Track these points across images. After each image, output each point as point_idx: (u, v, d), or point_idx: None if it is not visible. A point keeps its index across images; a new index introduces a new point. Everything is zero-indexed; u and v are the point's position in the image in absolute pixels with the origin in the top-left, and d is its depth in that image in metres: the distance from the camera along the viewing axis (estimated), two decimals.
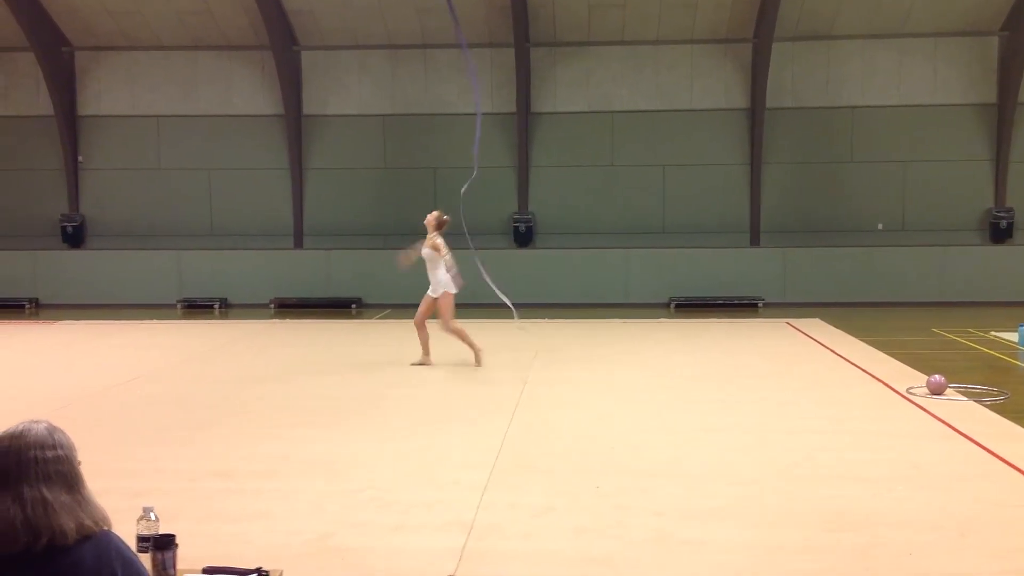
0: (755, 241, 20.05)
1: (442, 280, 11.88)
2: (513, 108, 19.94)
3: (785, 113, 19.95)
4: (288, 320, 17.47)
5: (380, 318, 17.64)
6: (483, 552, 5.44)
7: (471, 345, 12.01)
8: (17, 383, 11.08)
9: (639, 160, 20.24)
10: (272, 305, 19.27)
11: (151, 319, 17.35)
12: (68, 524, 2.59)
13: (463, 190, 12.98)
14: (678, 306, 18.76)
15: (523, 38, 19.41)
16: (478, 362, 11.96)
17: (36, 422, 2.73)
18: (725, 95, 20.15)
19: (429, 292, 12.00)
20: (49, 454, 2.65)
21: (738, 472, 7.04)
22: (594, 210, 20.28)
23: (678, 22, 19.51)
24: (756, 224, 20.06)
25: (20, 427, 2.69)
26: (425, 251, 11.93)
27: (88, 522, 2.63)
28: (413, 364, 12.01)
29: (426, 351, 12.07)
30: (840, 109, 19.93)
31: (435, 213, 12.10)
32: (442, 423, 8.76)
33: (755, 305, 18.64)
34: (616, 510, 6.14)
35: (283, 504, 6.31)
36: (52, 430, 2.72)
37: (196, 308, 19.27)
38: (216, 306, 19.36)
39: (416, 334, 12.17)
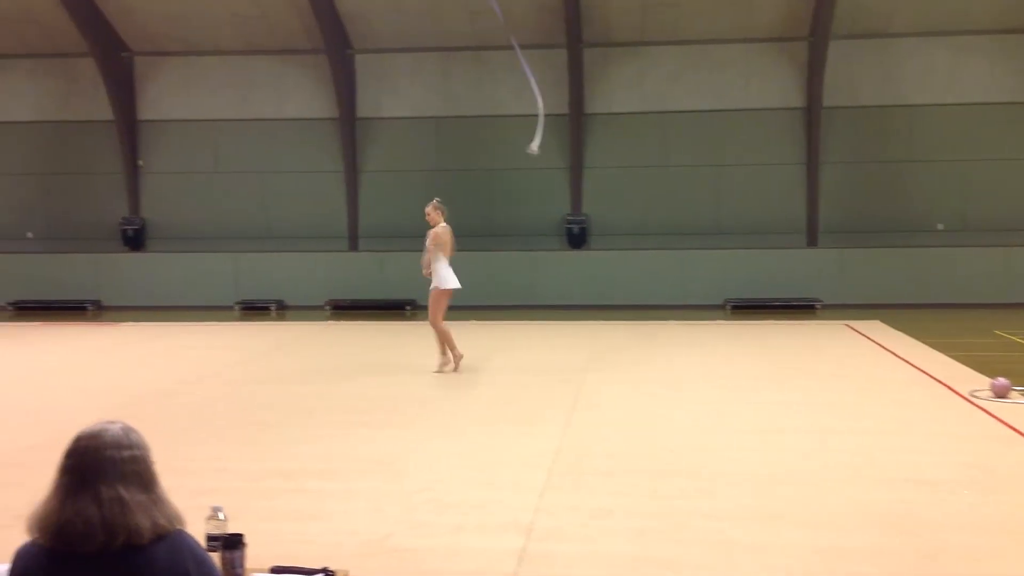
0: (812, 242, 19.82)
1: (440, 274, 11.64)
2: (566, 109, 19.90)
3: (842, 112, 19.70)
4: (343, 322, 17.59)
5: None
6: (543, 554, 5.43)
7: (452, 348, 11.64)
8: (81, 384, 11.28)
9: (694, 160, 20.11)
10: (327, 307, 19.41)
11: (209, 321, 17.58)
12: (144, 523, 2.61)
13: (535, 146, 12.91)
14: (734, 308, 18.60)
15: (576, 39, 19.37)
16: (455, 367, 11.60)
17: (112, 422, 2.76)
18: (780, 94, 19.94)
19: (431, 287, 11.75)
20: (125, 454, 2.68)
21: (799, 474, 6.95)
22: (648, 211, 20.17)
23: (733, 21, 19.34)
24: (813, 224, 19.82)
25: (97, 427, 2.73)
26: (428, 244, 11.71)
27: (163, 521, 2.66)
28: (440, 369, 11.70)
29: (452, 348, 11.73)
30: (898, 108, 19.63)
31: (433, 202, 11.80)
32: (499, 424, 8.77)
33: (812, 307, 18.42)
34: (676, 513, 6.09)
35: (343, 504, 6.35)
36: (128, 430, 2.75)
37: (253, 310, 19.47)
38: (272, 308, 19.55)
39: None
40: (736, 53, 19.84)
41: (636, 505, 6.27)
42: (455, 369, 11.63)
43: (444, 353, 11.72)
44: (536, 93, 13.51)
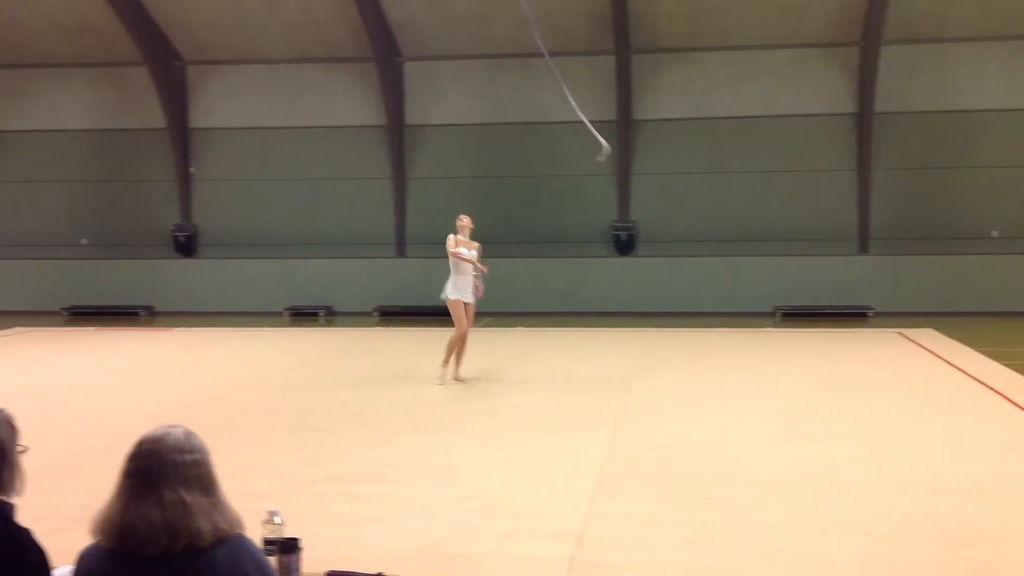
0: (864, 248, 19.58)
1: (458, 285, 11.55)
2: (613, 115, 19.85)
3: (894, 117, 19.45)
4: (391, 328, 17.67)
5: (482, 327, 17.72)
6: (593, 562, 5.41)
7: (449, 359, 11.48)
8: (134, 388, 11.41)
9: (743, 167, 19.97)
10: (375, 313, 19.51)
11: (259, 326, 17.74)
12: (205, 526, 2.64)
13: (604, 152, 12.91)
14: (784, 315, 18.42)
15: (624, 45, 19.32)
16: (443, 378, 11.40)
17: (174, 427, 2.79)
18: (831, 99, 19.74)
19: (469, 299, 11.60)
20: (188, 458, 2.71)
21: (853, 484, 6.87)
22: (697, 217, 20.05)
23: (783, 26, 19.19)
24: (865, 231, 19.58)
25: (159, 431, 2.76)
26: (473, 253, 11.66)
27: (223, 525, 2.68)
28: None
29: (449, 360, 11.56)
30: (952, 113, 19.34)
31: (467, 217, 11.82)
32: (548, 431, 8.75)
33: (864, 314, 18.19)
34: (727, 522, 6.04)
35: (394, 509, 6.38)
36: (189, 434, 2.78)
37: (302, 316, 19.61)
38: (321, 314, 19.68)
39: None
40: (786, 58, 19.68)
41: (687, 514, 6.22)
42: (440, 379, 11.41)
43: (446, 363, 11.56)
44: (572, 102, 13.50)
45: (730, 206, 19.99)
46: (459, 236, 11.67)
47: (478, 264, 11.67)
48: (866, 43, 19.00)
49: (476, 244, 11.79)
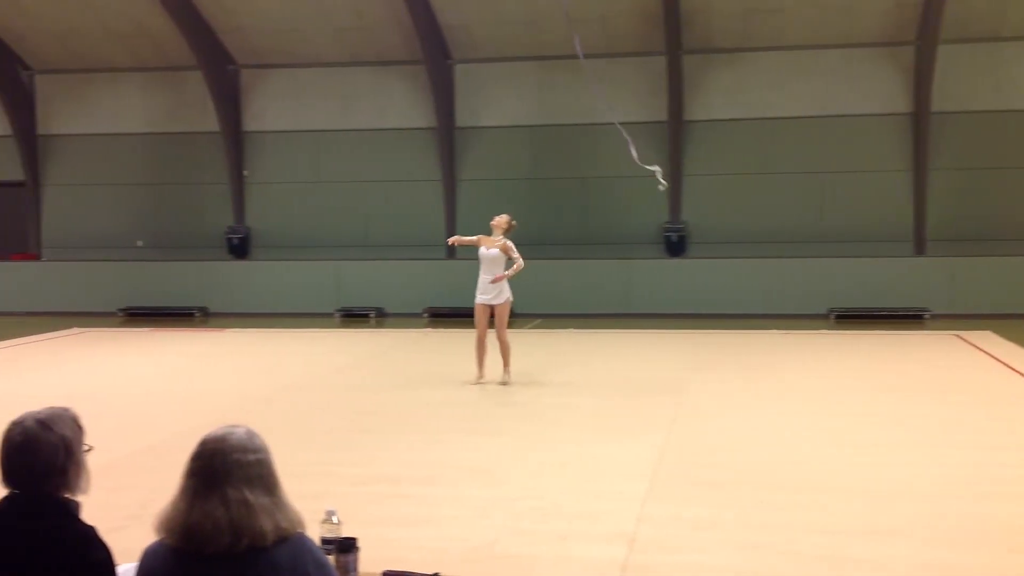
0: (920, 250, 19.29)
1: (505, 287, 11.46)
2: (664, 116, 19.76)
3: (950, 117, 19.14)
4: (441, 329, 17.71)
5: (531, 328, 17.71)
6: (646, 565, 5.37)
7: (506, 361, 11.37)
8: (190, 388, 11.55)
9: (796, 167, 19.77)
10: (425, 314, 19.57)
11: (311, 327, 17.87)
12: (267, 525, 2.65)
13: (658, 180, 12.80)
14: (838, 317, 18.18)
15: (676, 45, 19.21)
16: (479, 380, 11.36)
17: (236, 426, 2.81)
18: (886, 100, 19.48)
19: (490, 299, 11.41)
20: (251, 457, 2.73)
21: (912, 488, 6.75)
22: (749, 219, 19.88)
23: (837, 26, 18.97)
24: (921, 232, 19.29)
25: (222, 431, 2.78)
26: (493, 252, 11.50)
27: (285, 524, 2.69)
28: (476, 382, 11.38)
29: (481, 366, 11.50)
30: (1012, 112, 18.99)
31: (506, 216, 11.73)
32: (600, 433, 8.71)
33: (921, 317, 17.91)
34: (784, 526, 5.96)
35: (447, 510, 6.38)
36: (252, 434, 2.80)
37: (353, 317, 19.73)
38: (372, 315, 19.78)
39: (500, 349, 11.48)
40: (840, 58, 19.46)
41: (742, 517, 6.15)
42: (479, 380, 11.39)
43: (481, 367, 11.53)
44: (614, 119, 13.43)
45: (783, 207, 19.80)
46: (487, 235, 11.68)
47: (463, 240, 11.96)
48: (922, 42, 18.72)
49: (501, 241, 11.58)
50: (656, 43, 19.36)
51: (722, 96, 19.91)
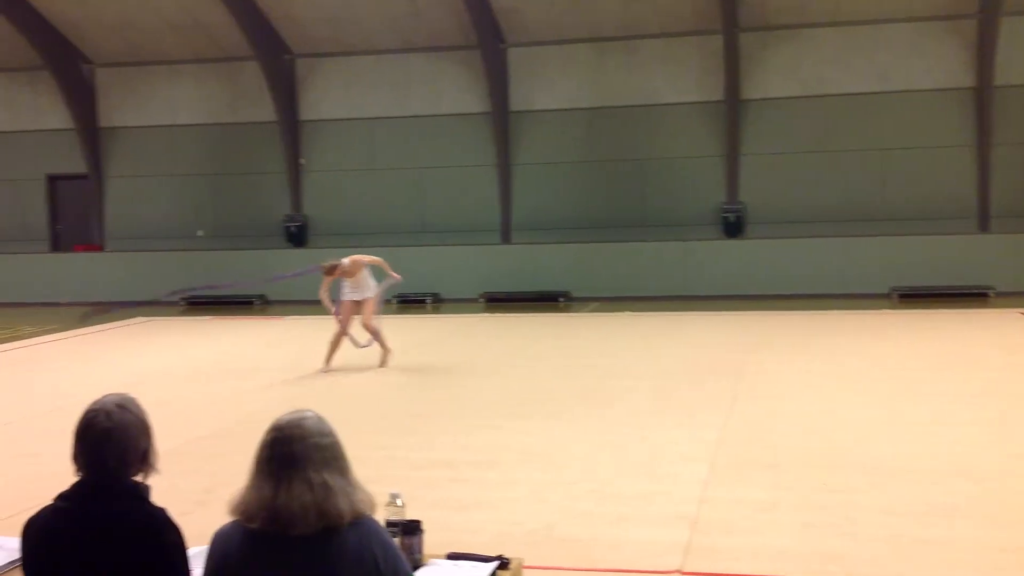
0: (984, 227, 18.92)
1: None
2: (720, 96, 19.57)
3: (1014, 91, 18.69)
4: (497, 314, 17.76)
5: (588, 311, 17.69)
6: (709, 547, 5.36)
7: (383, 346, 11.95)
8: (250, 376, 11.69)
9: (855, 144, 19.47)
10: (481, 299, 19.63)
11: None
12: (345, 507, 2.72)
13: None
14: (901, 296, 17.91)
15: (731, 24, 19.00)
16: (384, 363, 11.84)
17: (305, 411, 2.87)
18: (947, 74, 19.09)
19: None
20: (326, 440, 2.80)
21: (977, 468, 6.65)
22: (808, 198, 19.63)
23: (895, 0, 18.64)
24: (985, 209, 18.91)
25: (296, 416, 2.84)
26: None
27: (360, 507, 2.75)
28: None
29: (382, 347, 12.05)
30: None
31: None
32: (658, 415, 8.69)
33: (985, 295, 17.57)
34: (846, 507, 5.91)
35: (505, 493, 6.41)
36: (321, 418, 2.86)
37: (409, 303, 19.83)
38: (428, 300, 19.88)
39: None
40: (899, 33, 19.11)
41: (803, 498, 6.11)
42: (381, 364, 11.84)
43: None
44: None
45: (843, 185, 19.53)
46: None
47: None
48: (984, 15, 18.31)
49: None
50: (712, 21, 19.16)
51: (779, 74, 19.66)
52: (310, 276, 13.00)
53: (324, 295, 12.11)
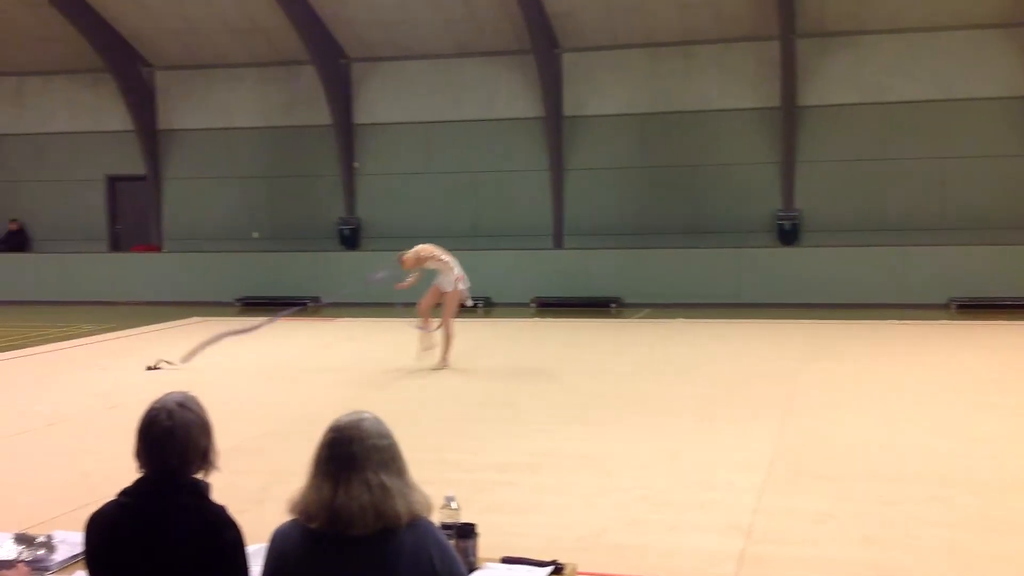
0: None
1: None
2: (777, 102, 19.39)
3: None
4: (549, 319, 17.73)
5: (640, 318, 17.61)
6: (763, 557, 5.30)
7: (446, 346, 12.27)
8: (304, 376, 11.77)
9: (915, 152, 19.19)
10: (532, 304, 19.60)
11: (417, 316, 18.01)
12: (402, 509, 2.74)
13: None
14: (960, 307, 17.59)
15: (788, 30, 18.83)
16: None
17: (363, 413, 2.89)
18: (1009, 82, 18.75)
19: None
20: (384, 442, 2.82)
21: None
22: (865, 206, 19.38)
23: (957, 6, 18.33)
24: None
25: (354, 417, 2.85)
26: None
27: (417, 508, 2.76)
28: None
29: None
30: None
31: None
32: (711, 422, 8.61)
33: None
34: (905, 520, 5.81)
35: (557, 499, 6.39)
36: (378, 420, 2.87)
37: (460, 307, 19.80)
38: (479, 305, 19.86)
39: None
40: (961, 40, 18.81)
41: (861, 510, 6.01)
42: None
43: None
44: None
45: (901, 194, 19.26)
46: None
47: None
48: None
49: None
50: (769, 27, 19.01)
51: (837, 81, 19.45)
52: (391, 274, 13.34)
53: (409, 283, 12.72)
